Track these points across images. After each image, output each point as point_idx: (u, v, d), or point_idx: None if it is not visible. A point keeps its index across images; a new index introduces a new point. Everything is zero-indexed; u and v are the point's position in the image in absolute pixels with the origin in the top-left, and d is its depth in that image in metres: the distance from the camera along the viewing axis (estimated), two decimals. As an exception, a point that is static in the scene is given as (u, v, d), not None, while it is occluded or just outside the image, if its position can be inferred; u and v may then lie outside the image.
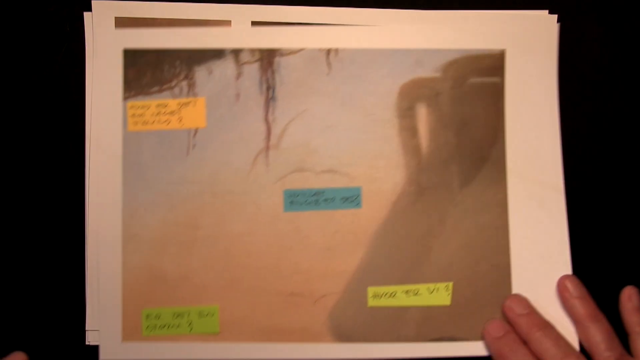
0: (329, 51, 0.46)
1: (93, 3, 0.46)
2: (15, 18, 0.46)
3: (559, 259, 0.45)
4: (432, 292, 0.45)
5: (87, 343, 0.45)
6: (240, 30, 0.46)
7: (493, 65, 0.46)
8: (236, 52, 0.46)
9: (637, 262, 0.46)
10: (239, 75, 0.46)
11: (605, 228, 0.46)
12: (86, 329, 0.45)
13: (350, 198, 0.46)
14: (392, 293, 0.45)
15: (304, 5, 0.46)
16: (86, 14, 0.46)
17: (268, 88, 0.46)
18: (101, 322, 0.45)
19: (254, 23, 0.46)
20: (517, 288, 0.45)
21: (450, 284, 0.45)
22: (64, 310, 0.46)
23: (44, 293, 0.46)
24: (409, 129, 0.46)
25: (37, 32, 0.46)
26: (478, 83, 0.46)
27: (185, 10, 0.46)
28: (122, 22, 0.46)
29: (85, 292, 0.45)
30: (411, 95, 0.46)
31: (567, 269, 0.45)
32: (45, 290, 0.46)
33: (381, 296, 0.45)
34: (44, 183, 0.46)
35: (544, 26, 0.46)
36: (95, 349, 0.45)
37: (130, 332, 0.45)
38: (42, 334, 0.46)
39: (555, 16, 0.46)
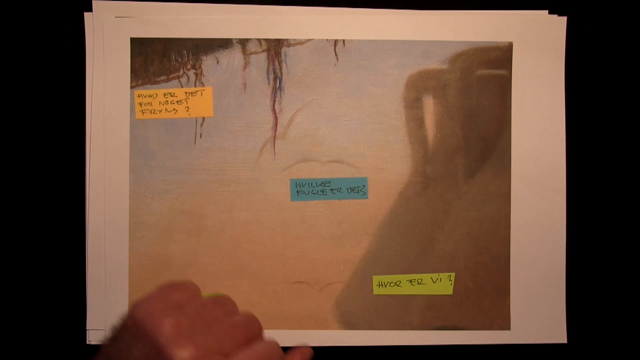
0: (336, 42, 0.46)
1: (93, 3, 0.46)
2: (16, 18, 0.46)
3: (555, 254, 0.46)
4: (435, 281, 0.46)
5: (87, 342, 0.46)
6: (247, 21, 0.46)
7: (500, 57, 0.46)
8: (243, 42, 0.46)
9: (636, 258, 0.47)
10: (246, 65, 0.46)
11: (605, 226, 0.47)
12: (87, 328, 0.46)
13: (357, 188, 0.46)
14: (396, 282, 0.46)
15: (308, 6, 0.46)
16: (86, 14, 0.46)
17: (275, 78, 0.46)
18: (107, 308, 0.45)
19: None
20: (515, 280, 0.46)
21: (453, 275, 0.46)
22: (65, 310, 0.46)
23: (45, 292, 0.46)
24: (415, 120, 0.46)
25: (37, 32, 0.46)
26: (485, 75, 0.46)
27: (185, 10, 0.46)
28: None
29: (86, 292, 0.46)
30: (418, 87, 0.46)
31: (562, 265, 0.46)
32: (46, 289, 0.46)
33: (386, 285, 0.46)
34: (44, 183, 0.46)
35: (551, 22, 0.46)
36: (96, 348, 0.45)
37: (137, 319, 0.45)
38: (42, 333, 0.46)
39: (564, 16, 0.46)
